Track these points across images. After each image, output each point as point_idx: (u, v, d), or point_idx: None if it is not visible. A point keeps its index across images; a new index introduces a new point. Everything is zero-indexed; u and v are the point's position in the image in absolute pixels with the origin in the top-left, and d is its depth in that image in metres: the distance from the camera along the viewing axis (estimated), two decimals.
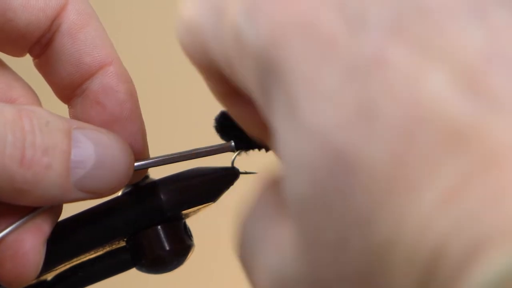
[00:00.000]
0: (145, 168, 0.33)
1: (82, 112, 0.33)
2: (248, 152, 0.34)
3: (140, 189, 0.34)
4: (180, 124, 0.93)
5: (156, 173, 0.34)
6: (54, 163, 0.29)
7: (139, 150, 0.33)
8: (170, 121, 0.93)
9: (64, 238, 0.33)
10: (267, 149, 0.34)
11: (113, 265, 0.34)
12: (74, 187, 0.30)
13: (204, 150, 0.33)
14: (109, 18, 0.97)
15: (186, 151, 0.33)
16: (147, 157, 0.33)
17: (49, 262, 0.33)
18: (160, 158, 0.33)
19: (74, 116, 0.34)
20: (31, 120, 0.29)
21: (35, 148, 0.29)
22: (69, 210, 0.34)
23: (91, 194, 0.31)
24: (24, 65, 0.36)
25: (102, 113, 0.33)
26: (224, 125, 0.33)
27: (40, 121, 0.30)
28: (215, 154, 0.33)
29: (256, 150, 0.34)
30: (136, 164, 0.32)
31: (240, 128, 0.32)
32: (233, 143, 0.33)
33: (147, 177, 0.34)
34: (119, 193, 0.34)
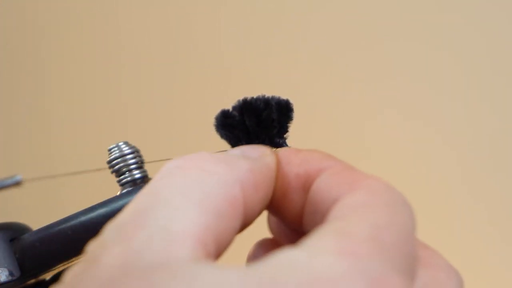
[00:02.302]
0: None
1: None
2: None
3: (139, 190, 0.33)
4: (179, 122, 0.93)
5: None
6: None
7: None
8: (168, 119, 0.93)
9: (62, 238, 0.33)
10: None
11: None
12: None
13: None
14: (111, 16, 0.97)
15: None
16: None
17: (47, 262, 0.33)
18: None
19: None
20: None
21: None
22: (68, 210, 0.34)
23: None
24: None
25: None
26: (224, 124, 0.33)
27: None
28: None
29: None
30: None
31: (240, 127, 0.32)
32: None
33: (147, 178, 0.34)
34: (118, 193, 0.33)
